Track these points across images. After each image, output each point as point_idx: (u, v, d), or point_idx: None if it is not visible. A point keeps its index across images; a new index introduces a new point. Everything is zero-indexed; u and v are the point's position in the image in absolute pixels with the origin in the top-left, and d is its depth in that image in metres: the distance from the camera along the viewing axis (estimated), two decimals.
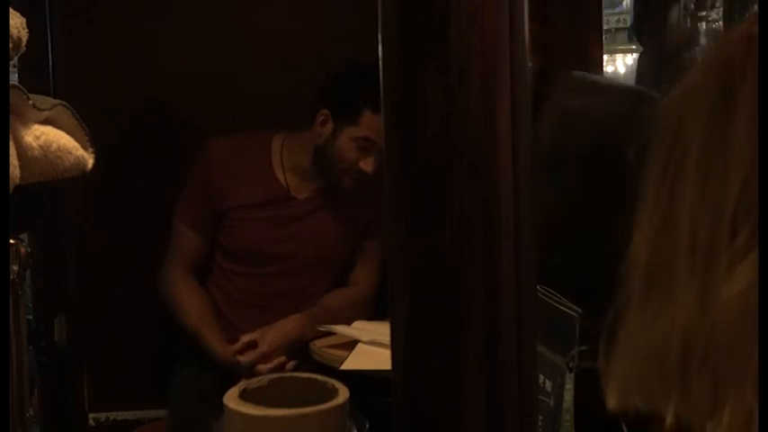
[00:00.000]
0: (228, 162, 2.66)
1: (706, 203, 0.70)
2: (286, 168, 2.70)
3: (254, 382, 1.22)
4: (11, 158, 1.15)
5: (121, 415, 2.93)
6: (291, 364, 2.55)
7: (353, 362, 2.25)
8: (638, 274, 0.76)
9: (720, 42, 0.75)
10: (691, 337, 0.70)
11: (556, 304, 1.50)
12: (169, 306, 2.68)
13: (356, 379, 1.56)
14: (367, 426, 1.37)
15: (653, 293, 0.75)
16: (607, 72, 4.26)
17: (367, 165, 2.58)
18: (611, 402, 0.78)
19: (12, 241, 1.16)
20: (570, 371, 1.44)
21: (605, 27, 3.50)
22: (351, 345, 2.38)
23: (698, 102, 0.72)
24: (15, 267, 1.17)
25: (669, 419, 0.72)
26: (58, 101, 1.29)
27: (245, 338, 2.57)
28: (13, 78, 1.82)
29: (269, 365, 2.52)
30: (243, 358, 2.55)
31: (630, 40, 4.64)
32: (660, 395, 0.73)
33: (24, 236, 1.27)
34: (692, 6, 3.09)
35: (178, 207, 2.70)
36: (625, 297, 0.78)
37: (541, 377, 1.46)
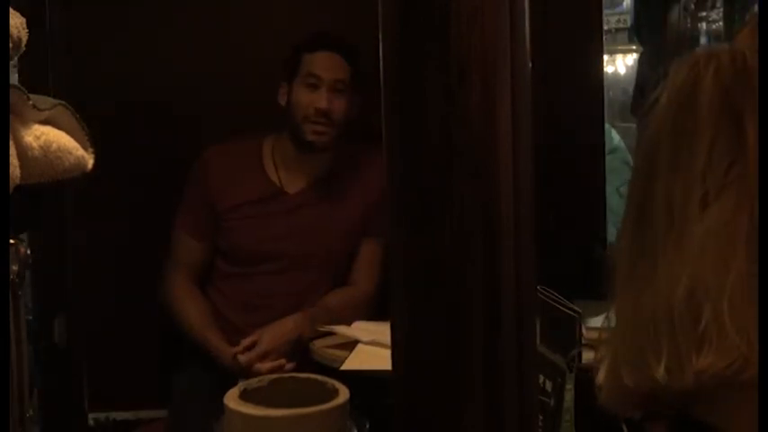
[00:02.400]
0: (223, 166, 2.69)
1: (677, 174, 0.79)
2: (278, 165, 2.72)
3: (254, 382, 1.22)
4: (11, 158, 1.15)
5: (121, 415, 2.93)
6: (290, 365, 2.55)
7: (353, 362, 2.25)
8: (624, 260, 0.84)
9: (681, 66, 0.86)
10: (689, 297, 0.75)
11: (556, 304, 1.50)
12: (172, 315, 2.69)
13: (356, 379, 1.56)
14: (367, 426, 1.37)
15: (637, 271, 0.81)
16: (607, 72, 4.25)
17: (320, 101, 2.60)
18: (602, 382, 0.81)
19: (12, 241, 1.16)
20: (570, 371, 1.44)
21: (605, 27, 3.50)
22: (351, 345, 2.38)
23: (666, 116, 0.84)
24: (15, 267, 1.17)
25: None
26: (57, 101, 1.29)
27: (246, 342, 2.58)
28: (13, 78, 1.82)
29: (268, 365, 2.52)
30: (242, 357, 2.55)
31: (630, 40, 4.64)
32: (651, 355, 0.75)
33: (24, 236, 1.26)
34: (692, 6, 3.10)
35: (177, 217, 2.71)
36: (614, 281, 0.82)
37: (541, 377, 1.46)
